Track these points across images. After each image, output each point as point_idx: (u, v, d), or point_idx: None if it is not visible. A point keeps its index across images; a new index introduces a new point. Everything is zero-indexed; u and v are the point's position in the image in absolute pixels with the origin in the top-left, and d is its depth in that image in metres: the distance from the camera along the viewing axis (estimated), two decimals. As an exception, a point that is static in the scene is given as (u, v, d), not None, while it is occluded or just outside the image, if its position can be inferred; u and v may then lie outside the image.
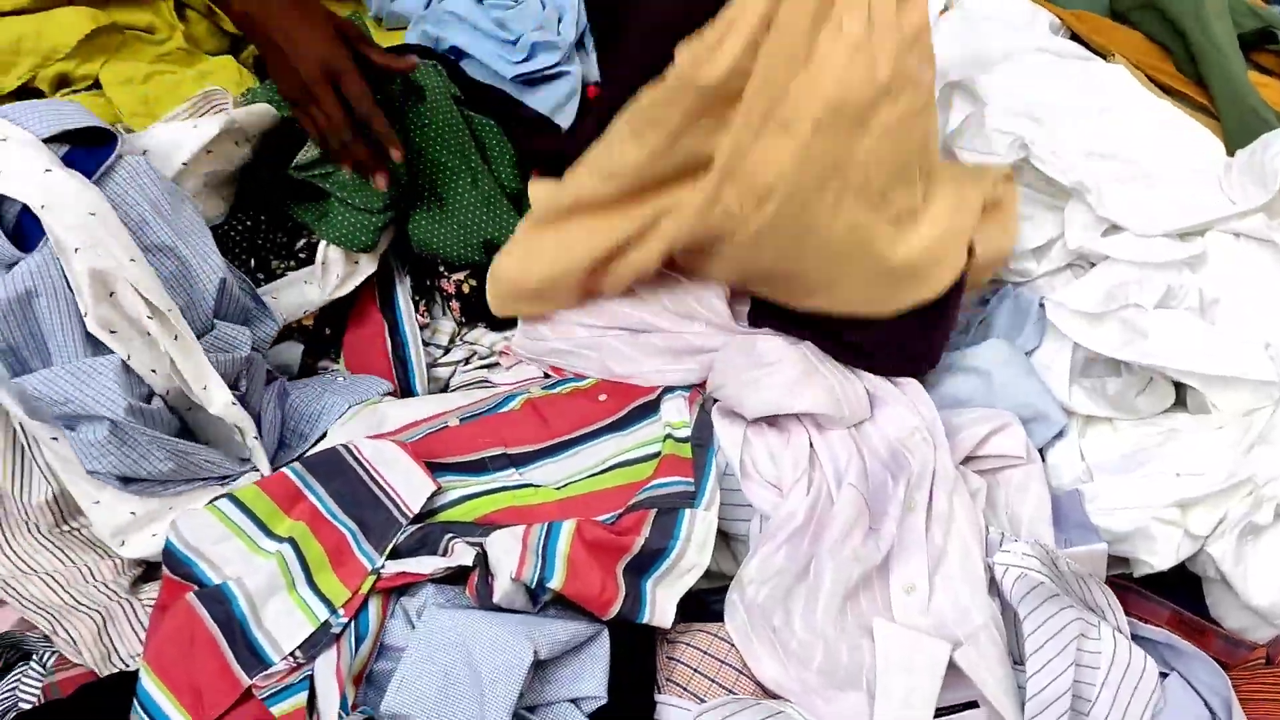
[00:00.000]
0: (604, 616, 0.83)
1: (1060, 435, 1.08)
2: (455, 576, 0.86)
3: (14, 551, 0.91)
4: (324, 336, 1.14)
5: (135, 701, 0.78)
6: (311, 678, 0.79)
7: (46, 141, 0.87)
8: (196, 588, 0.83)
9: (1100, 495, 1.02)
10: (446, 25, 1.20)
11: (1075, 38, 1.41)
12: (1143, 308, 1.06)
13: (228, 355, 0.92)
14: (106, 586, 0.91)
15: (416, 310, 1.15)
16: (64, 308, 0.85)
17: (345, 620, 0.82)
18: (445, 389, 1.16)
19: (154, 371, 0.87)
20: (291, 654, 0.80)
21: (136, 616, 0.89)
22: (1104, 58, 1.34)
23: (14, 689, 0.85)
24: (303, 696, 0.78)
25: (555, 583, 0.81)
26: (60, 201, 0.84)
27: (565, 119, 1.18)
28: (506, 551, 0.83)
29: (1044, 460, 1.06)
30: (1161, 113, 1.23)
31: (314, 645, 0.81)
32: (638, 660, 0.85)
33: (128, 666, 0.86)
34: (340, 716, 0.75)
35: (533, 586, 0.83)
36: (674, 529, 0.88)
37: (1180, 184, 1.14)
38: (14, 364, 0.86)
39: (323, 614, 0.82)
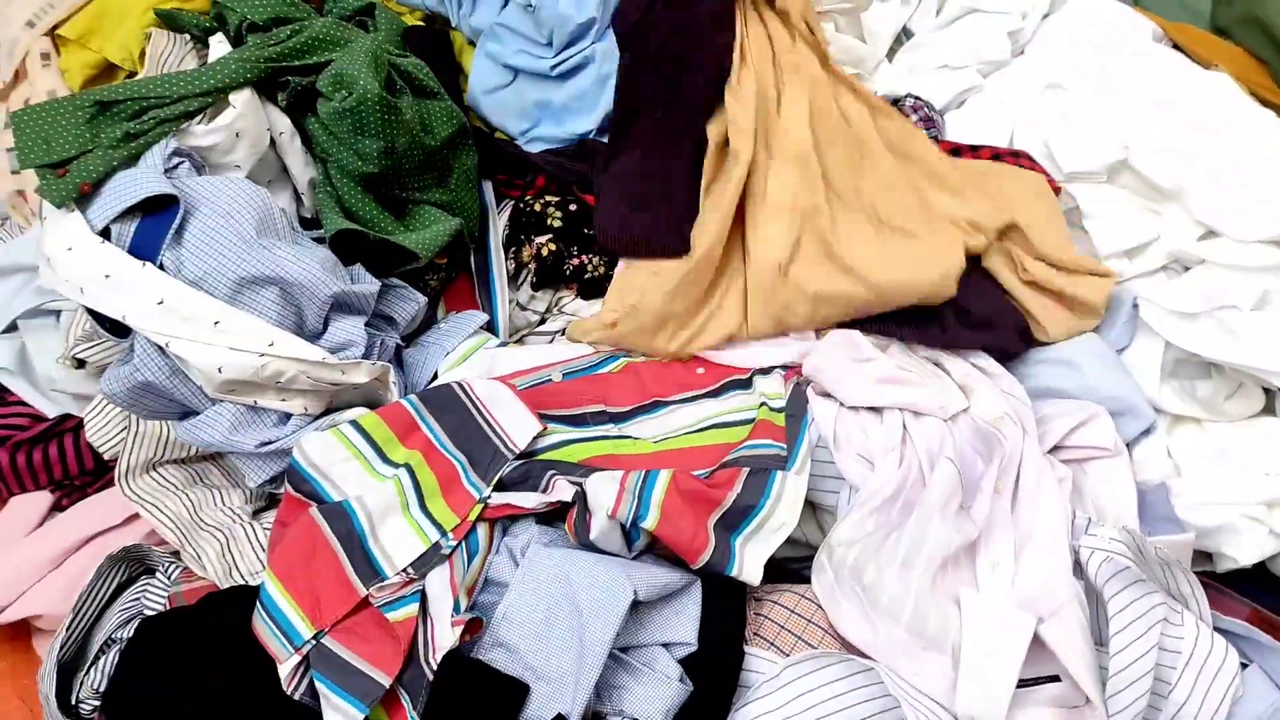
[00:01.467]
0: (693, 564, 0.86)
1: (1148, 432, 1.09)
2: (557, 515, 0.90)
3: (159, 471, 0.97)
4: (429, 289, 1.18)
5: (258, 604, 0.83)
6: (423, 591, 0.84)
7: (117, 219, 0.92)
8: (317, 504, 0.88)
9: (1187, 490, 1.03)
10: (501, 38, 1.26)
11: (1177, 49, 1.42)
12: (1238, 309, 1.07)
13: (346, 352, 0.97)
14: (233, 510, 0.96)
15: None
16: (182, 380, 0.93)
17: (455, 543, 0.87)
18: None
19: (283, 400, 0.94)
20: (405, 570, 0.85)
21: (257, 538, 0.94)
22: (1207, 69, 1.35)
23: (139, 597, 0.90)
24: (415, 606, 0.82)
25: (649, 523, 0.85)
26: (130, 304, 0.89)
27: (593, 109, 1.24)
28: (605, 491, 0.87)
29: (1131, 455, 1.08)
30: (1262, 121, 1.24)
31: (425, 563, 0.86)
32: (728, 612, 0.88)
33: (246, 583, 0.91)
34: (453, 616, 0.80)
35: (627, 526, 0.86)
36: (765, 488, 0.91)
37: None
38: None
39: (434, 535, 0.87)
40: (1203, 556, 1.04)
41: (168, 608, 0.88)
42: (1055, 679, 0.88)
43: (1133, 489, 1.00)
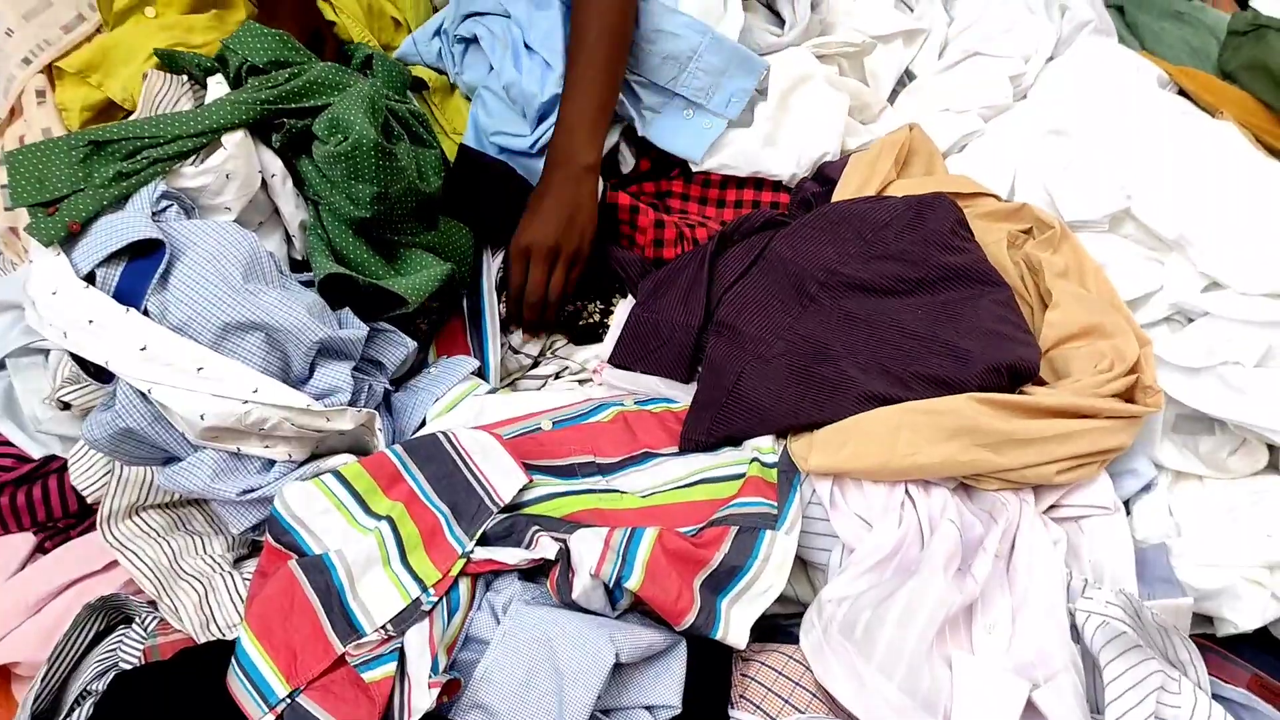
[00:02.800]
0: (677, 626, 0.84)
1: (1148, 489, 1.07)
2: (541, 572, 0.88)
3: (141, 517, 0.96)
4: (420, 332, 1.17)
5: (233, 659, 0.82)
6: (402, 649, 0.82)
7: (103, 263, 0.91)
8: (297, 556, 0.87)
9: (1187, 551, 1.01)
10: (488, 107, 1.24)
11: (1183, 94, 1.41)
12: (1242, 365, 1.05)
13: (331, 398, 0.96)
14: (214, 559, 0.95)
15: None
16: (165, 427, 0.92)
17: (435, 599, 0.85)
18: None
19: (266, 447, 0.93)
20: (383, 626, 0.84)
21: (236, 589, 0.92)
22: (1211, 115, 1.34)
23: (116, 649, 0.89)
24: (392, 666, 0.81)
25: (633, 583, 0.83)
26: (112, 350, 0.88)
27: None
28: (589, 549, 0.85)
29: (1130, 513, 1.06)
30: (1268, 172, 1.22)
31: (405, 620, 0.84)
32: (714, 674, 0.86)
33: (224, 636, 0.89)
34: (430, 677, 0.78)
35: (610, 585, 0.85)
36: (753, 548, 0.89)
37: (1285, 243, 1.13)
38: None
39: (414, 591, 0.85)
40: (1204, 619, 1.02)
41: (143, 661, 0.87)
42: (1050, 747, 0.86)
43: (1130, 549, 0.98)
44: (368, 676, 0.80)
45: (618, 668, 0.81)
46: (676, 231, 1.20)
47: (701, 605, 0.84)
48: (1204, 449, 1.08)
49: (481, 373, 1.12)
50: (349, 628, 0.83)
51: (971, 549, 0.93)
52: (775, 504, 0.93)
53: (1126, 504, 1.06)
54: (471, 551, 0.88)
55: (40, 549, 1.05)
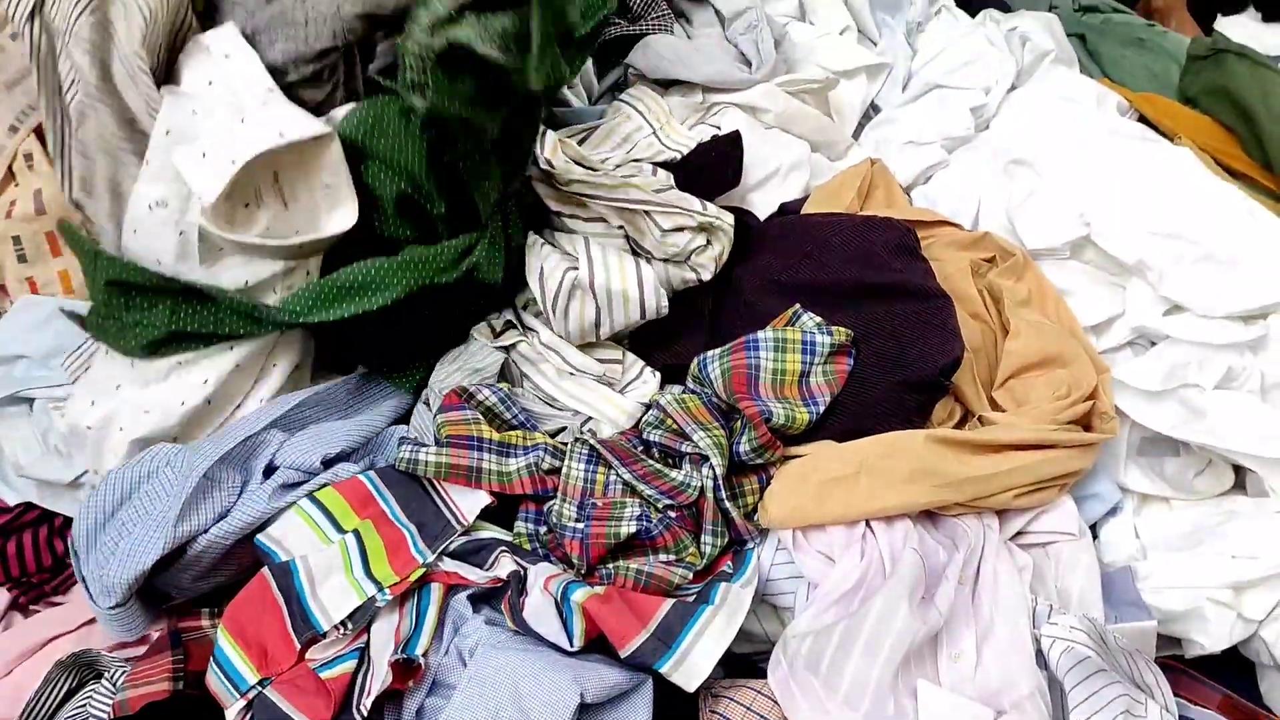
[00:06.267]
0: (622, 649, 0.85)
1: (1114, 512, 1.08)
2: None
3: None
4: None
5: (211, 659, 0.87)
6: (363, 650, 0.88)
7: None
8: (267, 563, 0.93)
9: (1154, 573, 1.02)
10: None
11: (1144, 120, 1.43)
12: (1202, 388, 1.06)
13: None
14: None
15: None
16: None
17: (390, 597, 0.89)
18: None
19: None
20: (341, 624, 0.88)
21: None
22: (1171, 140, 1.36)
23: (86, 704, 0.89)
24: (351, 664, 0.86)
25: (579, 595, 0.86)
26: None
27: None
28: (544, 570, 0.91)
29: (1097, 537, 1.07)
30: (1227, 195, 1.24)
31: (360, 617, 0.89)
32: (681, 711, 0.87)
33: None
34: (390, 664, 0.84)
35: (558, 598, 0.88)
36: (709, 594, 0.90)
37: (1244, 266, 1.14)
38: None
39: (370, 590, 0.89)
40: (1173, 641, 1.02)
41: (112, 716, 0.87)
42: (1016, 775, 0.86)
43: (1096, 574, 0.98)
44: (325, 674, 0.85)
45: (583, 708, 0.82)
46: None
47: (654, 632, 0.85)
48: (1170, 471, 1.09)
49: None
50: (306, 625, 0.88)
51: (935, 577, 0.94)
52: (730, 565, 0.96)
53: (1093, 528, 1.07)
54: (433, 563, 0.93)
55: (15, 605, 1.06)
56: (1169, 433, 1.05)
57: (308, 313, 0.97)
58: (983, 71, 1.45)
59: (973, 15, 1.62)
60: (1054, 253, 1.22)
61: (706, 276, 1.13)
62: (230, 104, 0.94)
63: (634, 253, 1.13)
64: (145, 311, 0.95)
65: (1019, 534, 1.01)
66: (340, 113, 1.01)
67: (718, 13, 1.43)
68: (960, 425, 1.08)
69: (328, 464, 1.00)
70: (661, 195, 1.11)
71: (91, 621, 0.99)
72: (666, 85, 1.36)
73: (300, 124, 0.91)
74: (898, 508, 0.96)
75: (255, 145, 0.89)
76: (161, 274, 0.94)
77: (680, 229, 1.11)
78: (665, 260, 1.12)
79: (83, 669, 0.93)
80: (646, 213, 1.10)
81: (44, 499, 1.06)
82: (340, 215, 0.97)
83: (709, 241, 1.13)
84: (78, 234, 0.97)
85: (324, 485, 0.98)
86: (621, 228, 1.12)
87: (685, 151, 1.22)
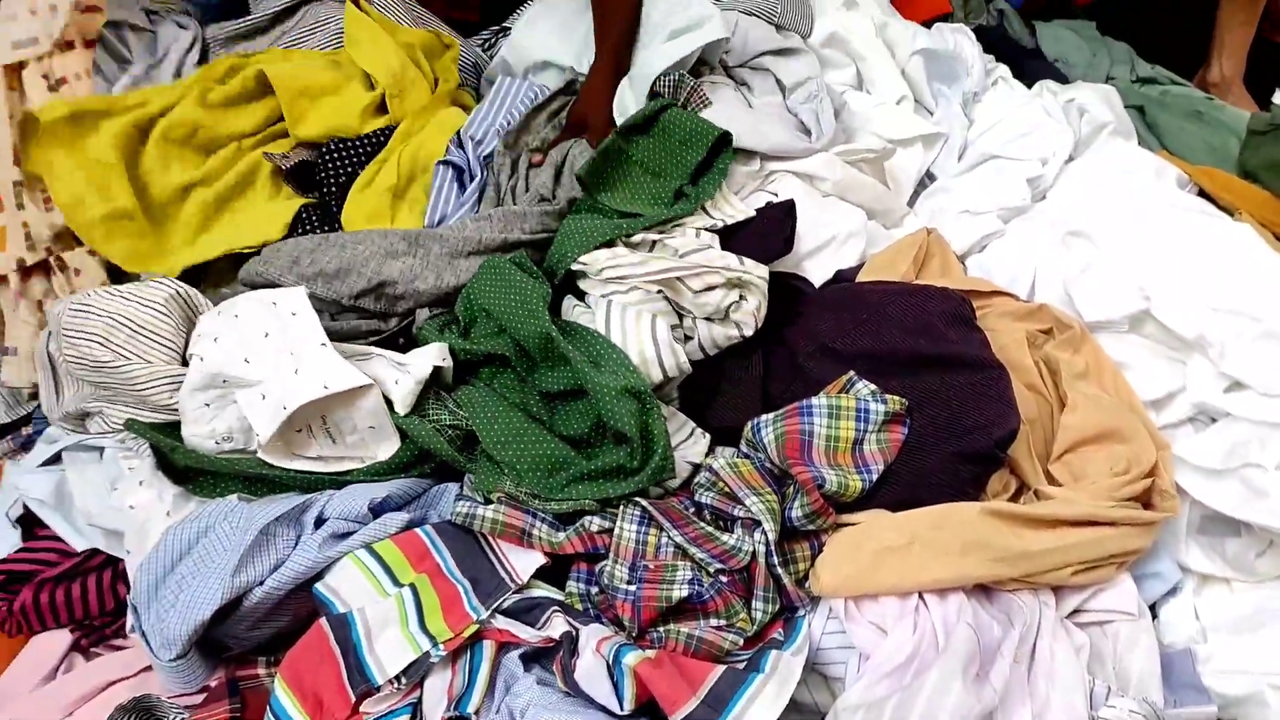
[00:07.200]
0: (672, 713, 0.84)
1: (1174, 592, 1.06)
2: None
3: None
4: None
5: (268, 707, 0.88)
6: (416, 705, 0.90)
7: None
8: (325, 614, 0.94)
9: (1214, 656, 1.00)
10: None
11: (1203, 194, 1.42)
12: (1264, 468, 1.05)
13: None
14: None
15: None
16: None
17: (444, 653, 0.90)
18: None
19: None
20: (396, 678, 0.89)
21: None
22: (1231, 215, 1.35)
23: (142, 751, 0.91)
24: (405, 718, 0.88)
25: (631, 658, 0.86)
26: None
27: None
28: (596, 631, 0.91)
29: (1156, 617, 1.05)
30: (1287, 272, 1.23)
31: (414, 671, 0.90)
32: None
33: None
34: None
35: (610, 661, 0.88)
36: (759, 664, 0.90)
37: (1307, 344, 1.13)
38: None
39: (425, 645, 0.91)
40: (1232, 726, 1.00)
41: (168, 762, 0.89)
42: None
43: (1156, 656, 0.97)
44: None
45: (633, 772, 0.82)
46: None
47: (704, 700, 0.85)
48: (1231, 551, 1.07)
49: None
50: (362, 677, 0.89)
51: (990, 653, 0.93)
52: (781, 633, 0.96)
53: (1152, 607, 1.05)
54: (486, 620, 0.94)
55: (77, 646, 1.08)
56: (1230, 513, 1.04)
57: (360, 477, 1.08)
58: (1040, 142, 1.46)
59: (1029, 86, 1.63)
60: (1112, 325, 1.21)
61: (748, 332, 1.14)
62: (287, 355, 1.05)
63: (678, 314, 1.15)
64: (217, 484, 1.07)
65: (1076, 612, 1.00)
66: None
67: (779, 82, 1.45)
68: (1015, 498, 1.07)
69: (375, 512, 1.02)
70: (688, 259, 1.14)
71: (150, 668, 1.01)
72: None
73: (343, 377, 1.02)
74: (951, 580, 0.95)
75: (301, 395, 1.01)
76: (231, 462, 1.06)
77: (711, 287, 1.12)
78: (708, 320, 1.13)
79: (142, 713, 0.94)
80: (678, 278, 1.12)
81: (110, 546, 1.09)
82: (386, 447, 1.08)
83: (742, 296, 1.14)
84: (147, 430, 1.06)
85: (377, 536, 1.00)
86: (660, 291, 1.13)
87: (734, 220, 1.24)
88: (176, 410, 1.06)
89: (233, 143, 1.35)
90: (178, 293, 1.11)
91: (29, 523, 1.14)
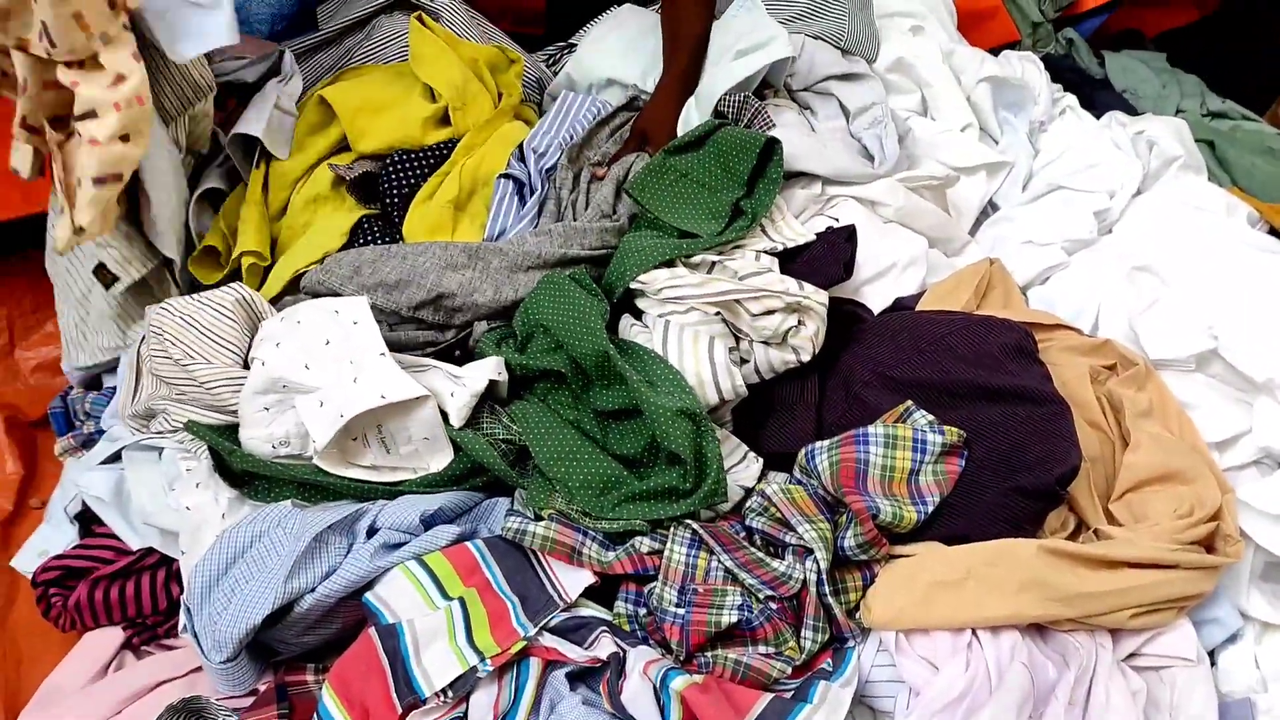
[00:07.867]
0: None
1: (1234, 639, 1.04)
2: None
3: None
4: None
5: (315, 715, 0.89)
6: (461, 718, 0.90)
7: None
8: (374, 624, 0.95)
9: (1275, 708, 0.97)
10: None
11: (1274, 232, 1.40)
12: (1332, 515, 1.02)
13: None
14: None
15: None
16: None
17: (491, 668, 0.91)
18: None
19: None
20: (442, 691, 0.90)
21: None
22: (1303, 254, 1.32)
23: (190, 752, 0.92)
24: None
25: (679, 683, 0.86)
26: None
27: None
28: (644, 654, 0.90)
29: (1215, 664, 1.03)
30: (1361, 314, 1.20)
31: (462, 686, 0.90)
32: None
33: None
34: None
35: (657, 684, 0.88)
36: (808, 694, 0.89)
37: (1379, 390, 1.10)
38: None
39: (473, 660, 0.91)
40: (1293, 780, 0.97)
41: (219, 764, 0.90)
42: None
43: (1214, 704, 0.95)
44: None
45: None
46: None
47: None
48: (1294, 599, 1.04)
49: None
50: (409, 690, 0.89)
51: (1044, 694, 0.91)
52: (830, 663, 0.95)
53: (1211, 654, 1.03)
54: (534, 637, 0.94)
55: (129, 645, 1.09)
56: (1297, 561, 1.01)
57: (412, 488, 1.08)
58: (1108, 174, 1.44)
59: (1097, 117, 1.61)
60: (1178, 364, 1.19)
61: (806, 357, 1.13)
62: (347, 363, 1.06)
63: (735, 337, 1.15)
64: (271, 489, 1.10)
65: (1132, 655, 0.98)
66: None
67: (842, 106, 1.44)
68: (1073, 537, 1.05)
69: (427, 524, 1.02)
70: (747, 281, 1.13)
71: (200, 669, 1.02)
72: (788, 176, 1.38)
73: (401, 388, 1.03)
74: (1006, 618, 0.94)
75: (359, 404, 1.01)
76: (287, 467, 1.07)
77: (770, 311, 1.12)
78: (765, 344, 1.13)
79: (192, 714, 0.95)
80: (737, 300, 1.11)
81: (166, 545, 1.10)
82: (439, 459, 1.08)
83: (801, 321, 1.13)
84: (206, 431, 1.08)
85: (428, 549, 1.00)
86: (718, 313, 1.13)
87: (793, 244, 1.23)
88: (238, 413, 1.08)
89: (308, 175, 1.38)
90: (243, 297, 1.13)
91: (87, 519, 1.16)
